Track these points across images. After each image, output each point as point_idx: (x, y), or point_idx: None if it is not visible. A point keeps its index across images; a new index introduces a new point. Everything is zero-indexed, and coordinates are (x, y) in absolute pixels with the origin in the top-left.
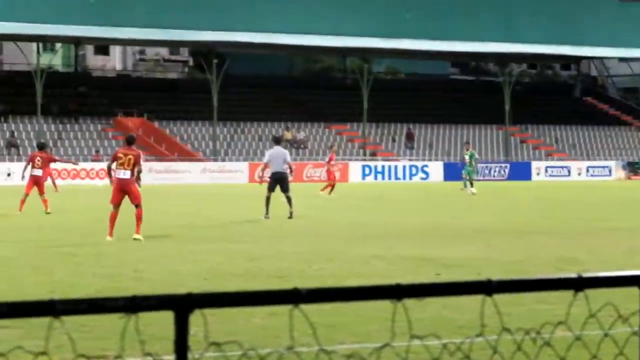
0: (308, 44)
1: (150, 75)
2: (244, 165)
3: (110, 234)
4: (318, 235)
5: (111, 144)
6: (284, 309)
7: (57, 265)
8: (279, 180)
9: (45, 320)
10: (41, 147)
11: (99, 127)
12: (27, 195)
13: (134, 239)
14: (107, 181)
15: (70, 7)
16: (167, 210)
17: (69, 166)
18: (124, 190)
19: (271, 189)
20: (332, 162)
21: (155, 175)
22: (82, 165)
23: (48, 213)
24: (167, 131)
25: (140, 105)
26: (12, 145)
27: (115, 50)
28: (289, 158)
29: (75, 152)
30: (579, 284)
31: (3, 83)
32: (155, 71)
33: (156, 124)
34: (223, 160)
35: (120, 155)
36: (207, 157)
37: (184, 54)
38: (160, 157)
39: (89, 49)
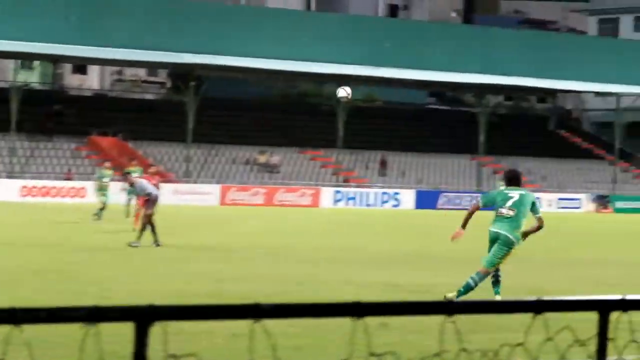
0: (285, 69)
1: (127, 95)
2: (216, 188)
3: None
4: (288, 259)
5: (84, 163)
6: (246, 330)
7: (23, 279)
8: None
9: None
10: None
11: (73, 145)
12: None
13: None
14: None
15: (50, 26)
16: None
17: None
18: None
19: None
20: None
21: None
22: (54, 183)
23: None
24: (141, 152)
25: (116, 125)
26: None
27: (94, 70)
28: None
29: (47, 170)
30: (538, 308)
31: None
32: (132, 92)
33: (130, 144)
34: (195, 182)
35: None
36: (180, 178)
37: (162, 75)
38: None
39: (67, 67)
